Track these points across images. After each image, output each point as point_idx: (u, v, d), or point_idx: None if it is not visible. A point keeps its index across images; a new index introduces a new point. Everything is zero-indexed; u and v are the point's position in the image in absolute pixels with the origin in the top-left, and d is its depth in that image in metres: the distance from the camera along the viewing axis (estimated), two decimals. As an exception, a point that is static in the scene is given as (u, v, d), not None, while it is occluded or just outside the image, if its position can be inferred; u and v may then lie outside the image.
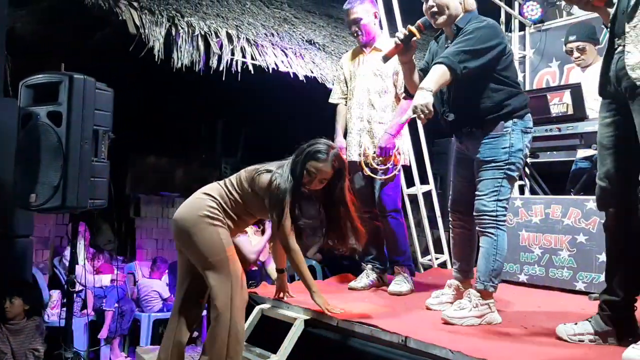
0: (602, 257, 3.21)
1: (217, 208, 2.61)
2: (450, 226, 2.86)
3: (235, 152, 7.61)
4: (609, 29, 2.10)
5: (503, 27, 5.26)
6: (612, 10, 2.05)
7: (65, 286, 3.50)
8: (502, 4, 5.21)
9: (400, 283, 3.28)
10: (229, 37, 4.70)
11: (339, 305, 2.69)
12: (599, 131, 2.21)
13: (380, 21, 3.77)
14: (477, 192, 2.58)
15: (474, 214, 2.59)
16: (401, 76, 3.18)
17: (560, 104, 3.75)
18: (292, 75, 5.05)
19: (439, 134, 4.52)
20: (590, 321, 2.24)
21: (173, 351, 2.69)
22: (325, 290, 3.30)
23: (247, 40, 4.83)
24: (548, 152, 4.28)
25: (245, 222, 2.81)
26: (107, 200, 3.29)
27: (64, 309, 3.64)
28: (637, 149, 1.99)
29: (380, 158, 3.25)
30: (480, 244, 2.60)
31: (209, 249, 2.56)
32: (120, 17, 4.12)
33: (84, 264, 4.87)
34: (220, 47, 4.58)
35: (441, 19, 2.60)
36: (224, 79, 4.56)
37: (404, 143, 3.53)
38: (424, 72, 2.74)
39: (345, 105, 3.51)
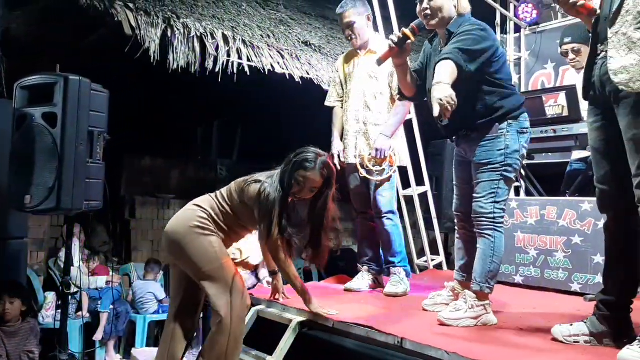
0: (597, 259, 3.23)
1: (208, 219, 2.60)
2: (455, 228, 2.87)
3: (231, 153, 7.60)
4: (591, 35, 2.13)
5: (498, 29, 5.29)
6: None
7: (60, 288, 3.48)
8: (497, 5, 5.23)
9: (396, 284, 3.28)
10: (225, 39, 4.69)
11: (335, 307, 2.69)
12: (590, 136, 2.25)
13: (375, 23, 3.79)
14: (474, 195, 2.59)
15: (472, 215, 2.60)
16: (396, 78, 3.20)
17: (555, 105, 3.76)
18: (288, 77, 5.05)
19: (434, 135, 4.52)
20: (585, 322, 2.25)
21: None
22: (321, 292, 3.31)
23: (243, 41, 4.83)
24: (543, 154, 4.29)
25: (237, 234, 2.78)
26: (102, 201, 3.28)
27: (59, 310, 3.63)
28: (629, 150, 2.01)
29: (376, 159, 3.26)
30: (477, 245, 2.60)
31: (202, 258, 2.55)
32: (116, 19, 4.11)
33: (79, 265, 4.85)
34: (216, 49, 4.58)
35: (434, 22, 2.61)
36: (220, 80, 4.55)
37: (400, 144, 3.53)
38: (418, 73, 2.75)
39: (342, 107, 3.51)
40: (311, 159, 2.57)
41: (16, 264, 3.74)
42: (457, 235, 2.84)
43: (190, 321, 2.75)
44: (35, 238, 5.47)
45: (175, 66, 4.35)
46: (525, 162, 3.97)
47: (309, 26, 6.11)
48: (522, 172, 4.11)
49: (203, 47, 4.52)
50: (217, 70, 4.53)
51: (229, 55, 4.64)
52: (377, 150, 3.23)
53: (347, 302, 3.02)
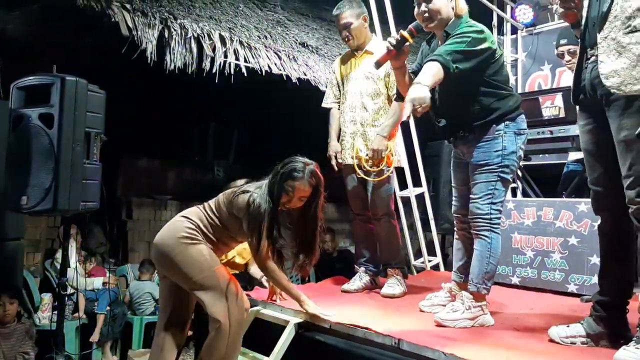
0: (594, 260, 3.24)
1: (196, 229, 2.59)
2: (452, 229, 2.87)
3: (228, 154, 7.59)
4: (580, 40, 2.16)
5: (495, 31, 5.29)
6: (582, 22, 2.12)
7: (57, 289, 3.47)
8: (494, 7, 5.24)
9: (393, 285, 3.28)
10: (222, 40, 4.69)
11: (332, 308, 2.69)
12: (582, 138, 2.27)
13: (372, 25, 3.79)
14: (471, 195, 2.59)
15: (469, 216, 2.60)
16: (392, 78, 3.20)
17: (552, 107, 3.78)
18: (285, 78, 5.05)
19: (431, 136, 4.53)
20: (582, 323, 2.25)
21: None
22: (318, 293, 3.31)
23: (240, 42, 4.83)
24: (540, 155, 4.30)
25: (226, 245, 2.77)
26: (99, 202, 3.27)
27: (55, 312, 3.62)
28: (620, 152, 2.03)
29: (373, 160, 3.26)
30: (474, 246, 2.61)
31: (192, 268, 2.54)
32: (113, 19, 4.10)
33: (76, 266, 4.84)
34: (213, 50, 4.57)
35: (433, 24, 2.61)
36: (216, 81, 4.55)
37: (397, 145, 3.54)
38: (416, 74, 2.75)
39: (338, 109, 3.51)
40: (299, 168, 2.56)
41: (12, 265, 3.74)
42: (455, 236, 2.84)
43: (180, 332, 2.73)
44: (32, 239, 5.46)
45: (172, 67, 4.34)
46: (522, 163, 3.98)
47: (306, 27, 6.12)
48: (519, 173, 4.12)
49: (200, 48, 4.52)
50: (214, 71, 4.52)
51: (226, 56, 4.64)
52: (374, 151, 3.24)
53: (344, 303, 3.02)
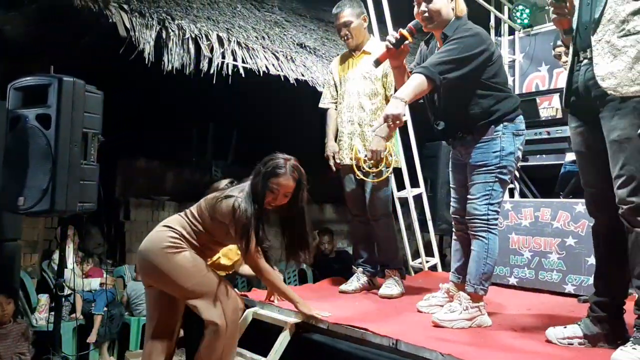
0: (591, 260, 3.24)
1: (180, 238, 2.56)
2: (450, 230, 2.87)
3: (226, 155, 7.58)
4: (572, 44, 2.19)
5: (493, 32, 5.30)
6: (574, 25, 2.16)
7: (54, 290, 3.47)
8: (491, 8, 5.24)
9: (390, 286, 3.28)
10: (220, 40, 4.69)
11: (329, 309, 2.69)
12: (573, 140, 2.29)
13: (370, 25, 3.79)
14: (468, 196, 2.60)
15: (466, 217, 2.60)
16: (390, 78, 3.21)
17: (549, 107, 3.79)
18: (283, 79, 5.05)
19: (429, 137, 4.53)
20: (579, 324, 2.26)
21: None
22: (316, 293, 3.31)
23: (238, 43, 4.82)
24: (537, 156, 4.31)
25: (211, 249, 2.75)
26: (96, 203, 3.27)
27: (53, 313, 3.61)
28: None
29: (372, 161, 3.26)
30: (471, 247, 2.61)
31: (182, 276, 2.52)
32: (111, 20, 4.10)
33: (73, 267, 4.84)
34: (211, 50, 4.57)
35: (432, 25, 2.61)
36: (214, 82, 4.55)
37: (395, 145, 3.54)
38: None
39: (336, 109, 3.51)
40: (281, 164, 2.56)
41: (10, 265, 3.73)
42: (454, 237, 2.84)
43: (169, 340, 2.70)
44: (29, 240, 5.45)
45: (170, 68, 4.34)
46: (519, 163, 3.99)
47: (304, 28, 6.12)
48: (517, 173, 4.13)
49: (198, 48, 4.51)
50: (211, 71, 4.52)
51: (223, 57, 4.63)
52: (373, 152, 3.23)
53: (341, 304, 3.02)
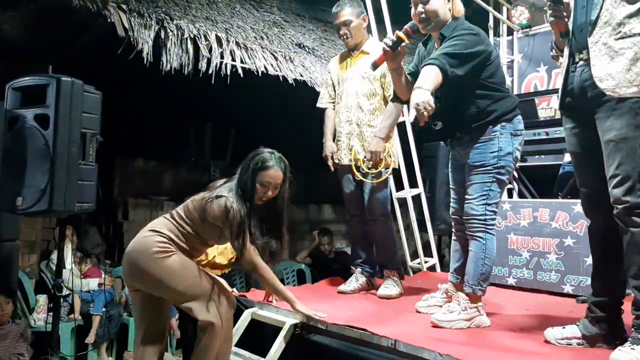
0: (590, 260, 3.22)
1: (168, 242, 2.53)
2: (449, 230, 2.87)
3: (224, 155, 7.58)
4: (567, 46, 2.21)
5: (491, 32, 5.31)
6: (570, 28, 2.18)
7: (52, 290, 3.46)
8: (490, 8, 5.25)
9: (389, 286, 3.29)
10: (218, 40, 4.68)
11: (328, 309, 2.69)
12: (568, 141, 2.30)
13: (369, 25, 3.79)
14: (466, 196, 2.60)
15: (463, 217, 2.60)
16: (389, 78, 3.20)
17: (547, 108, 3.80)
18: (281, 79, 5.05)
19: (428, 137, 4.53)
20: (578, 325, 2.26)
21: None
22: (314, 294, 3.31)
23: (237, 43, 4.82)
24: (536, 156, 4.31)
25: (199, 251, 2.73)
26: (94, 203, 3.26)
27: (51, 313, 3.61)
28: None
29: (371, 162, 3.26)
30: (469, 248, 2.61)
31: (174, 280, 2.49)
32: (109, 20, 4.09)
33: (71, 268, 4.82)
34: (210, 50, 4.57)
35: (430, 26, 2.61)
36: (213, 82, 4.54)
37: (394, 146, 3.54)
38: (413, 76, 2.76)
39: (334, 109, 3.51)
40: (268, 157, 2.56)
41: (8, 266, 3.72)
42: (453, 238, 2.84)
43: (159, 343, 2.67)
44: (27, 240, 5.43)
45: (168, 68, 4.33)
46: (518, 164, 3.99)
47: (303, 28, 6.11)
48: (515, 174, 4.13)
49: (196, 48, 4.51)
50: (210, 72, 4.52)
51: (222, 57, 4.63)
52: (372, 153, 3.23)
53: (340, 304, 3.02)
